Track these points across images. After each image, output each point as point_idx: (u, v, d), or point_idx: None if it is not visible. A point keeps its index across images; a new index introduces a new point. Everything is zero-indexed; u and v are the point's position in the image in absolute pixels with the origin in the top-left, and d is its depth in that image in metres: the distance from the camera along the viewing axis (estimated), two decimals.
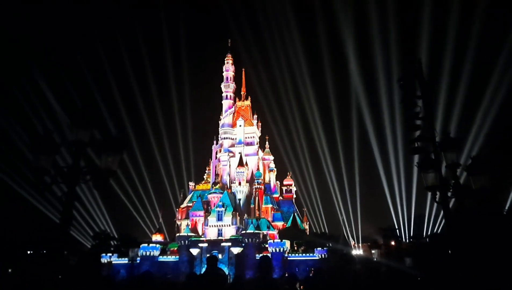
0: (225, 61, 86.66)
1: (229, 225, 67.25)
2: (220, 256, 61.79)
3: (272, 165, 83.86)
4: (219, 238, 65.65)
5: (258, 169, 78.11)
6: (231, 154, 79.42)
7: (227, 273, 60.50)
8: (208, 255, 62.88)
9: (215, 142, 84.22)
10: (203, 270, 62.44)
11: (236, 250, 62.88)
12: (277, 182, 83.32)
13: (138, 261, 62.62)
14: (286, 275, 50.91)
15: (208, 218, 68.85)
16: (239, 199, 73.04)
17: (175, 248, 66.77)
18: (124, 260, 63.22)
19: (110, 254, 63.89)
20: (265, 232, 67.10)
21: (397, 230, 59.95)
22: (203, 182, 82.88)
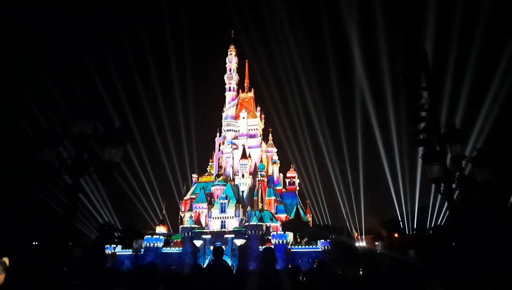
0: (228, 53, 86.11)
1: (232, 217, 67.54)
2: (223, 247, 62.28)
3: (275, 157, 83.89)
4: (222, 230, 66.04)
5: (261, 161, 78.15)
6: (234, 146, 79.40)
7: (230, 264, 60.98)
8: (212, 246, 63.33)
9: (218, 134, 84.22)
10: (206, 261, 63.01)
11: (239, 242, 63.27)
12: (280, 174, 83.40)
13: (142, 253, 63.22)
14: (289, 266, 51.21)
15: (212, 210, 69.18)
16: (242, 191, 73.23)
17: (179, 240, 67.31)
18: (128, 252, 63.83)
19: (114, 246, 64.56)
20: (268, 224, 67.38)
21: (401, 222, 60.07)
22: (206, 174, 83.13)
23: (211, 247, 64.18)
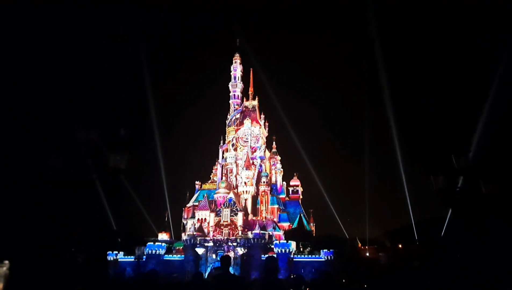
0: (233, 61, 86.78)
1: (235, 225, 67.32)
2: (230, 256, 61.99)
3: (279, 166, 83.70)
4: (225, 238, 65.79)
5: (264, 169, 78.07)
6: (237, 154, 79.46)
7: (231, 273, 60.56)
8: (214, 254, 63.13)
9: (222, 141, 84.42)
10: (208, 269, 62.64)
11: (241, 251, 62.94)
12: (284, 182, 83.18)
13: (144, 260, 63.03)
14: (292, 276, 50.83)
15: (214, 217, 69.01)
16: (245, 199, 73.03)
17: (181, 247, 67.07)
18: (130, 259, 63.66)
19: (117, 252, 64.40)
20: (271, 232, 67.03)
21: (405, 233, 59.48)
22: (210, 181, 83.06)
23: (213, 255, 63.93)
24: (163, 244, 67.00)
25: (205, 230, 70.77)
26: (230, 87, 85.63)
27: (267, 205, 73.23)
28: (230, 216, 68.00)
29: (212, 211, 71.10)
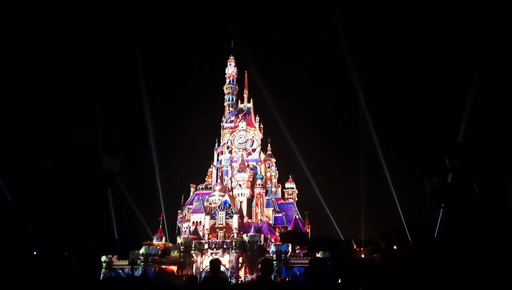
0: (228, 63, 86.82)
1: (230, 228, 67.13)
2: (220, 260, 61.68)
3: (274, 168, 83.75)
4: (220, 241, 65.54)
5: (259, 172, 78.01)
6: (232, 157, 79.36)
7: (227, 276, 60.37)
8: (210, 258, 62.79)
9: (216, 144, 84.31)
10: (203, 273, 62.34)
11: (237, 253, 62.72)
12: (279, 185, 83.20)
13: (138, 263, 62.61)
14: (287, 279, 50.82)
15: (209, 220, 68.75)
16: (241, 202, 72.89)
17: (176, 251, 66.71)
18: (125, 262, 63.19)
19: (111, 256, 63.90)
20: (266, 235, 66.93)
21: (400, 234, 59.69)
22: (205, 184, 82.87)
23: (208, 259, 63.66)
24: (158, 247, 66.59)
25: (200, 233, 70.47)
26: (225, 90, 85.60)
27: (262, 208, 73.15)
28: (225, 219, 67.78)
29: (207, 214, 70.86)
